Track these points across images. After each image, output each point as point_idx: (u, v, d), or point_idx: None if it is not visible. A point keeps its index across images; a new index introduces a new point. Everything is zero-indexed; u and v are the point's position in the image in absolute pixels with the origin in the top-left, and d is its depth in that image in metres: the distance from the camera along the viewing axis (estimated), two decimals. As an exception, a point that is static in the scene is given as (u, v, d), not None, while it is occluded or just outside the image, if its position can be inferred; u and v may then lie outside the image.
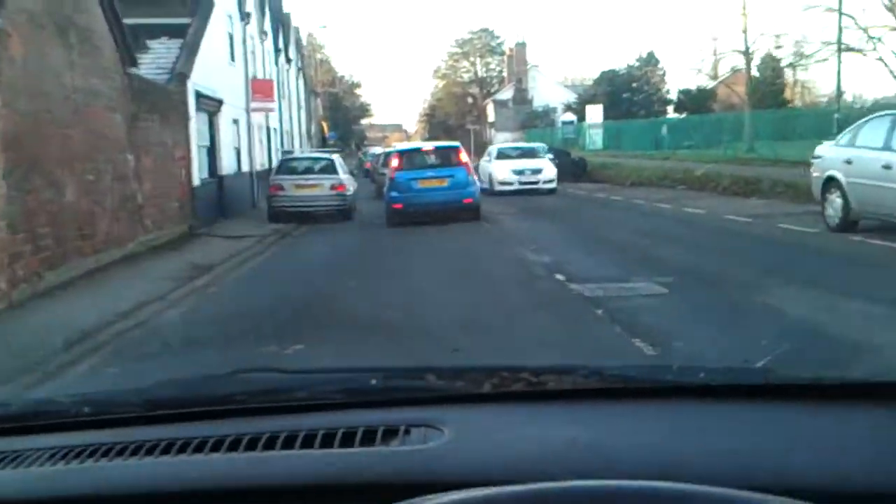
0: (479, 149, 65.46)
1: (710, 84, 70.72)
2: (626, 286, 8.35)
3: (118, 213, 12.44)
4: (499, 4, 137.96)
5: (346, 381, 1.80)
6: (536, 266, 10.56)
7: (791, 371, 1.80)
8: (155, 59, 18.09)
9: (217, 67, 20.44)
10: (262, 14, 27.82)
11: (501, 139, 67.89)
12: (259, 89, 24.24)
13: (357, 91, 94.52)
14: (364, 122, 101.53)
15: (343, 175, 20.18)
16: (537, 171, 26.05)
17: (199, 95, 17.85)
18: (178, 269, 11.52)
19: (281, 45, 32.61)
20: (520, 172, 25.90)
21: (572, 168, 33.25)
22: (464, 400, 1.63)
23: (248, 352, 5.88)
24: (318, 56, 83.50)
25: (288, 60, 34.98)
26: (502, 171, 26.12)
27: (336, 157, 20.64)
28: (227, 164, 20.96)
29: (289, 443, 1.40)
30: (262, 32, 27.68)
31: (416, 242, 14.76)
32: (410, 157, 19.15)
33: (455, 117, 77.47)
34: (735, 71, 75.92)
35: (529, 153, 28.33)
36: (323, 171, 20.00)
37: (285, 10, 36.38)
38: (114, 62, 12.92)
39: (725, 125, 48.87)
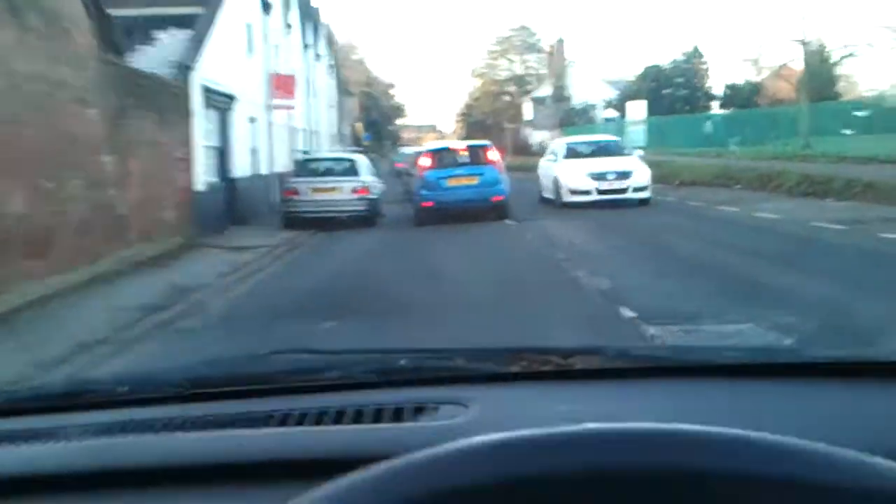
0: (518, 148, 63.20)
1: (758, 78, 68.05)
2: (725, 329, 6.02)
3: (89, 225, 10.37)
4: (537, 2, 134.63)
5: (377, 361, 1.82)
6: (593, 294, 8.28)
7: (819, 349, 1.88)
8: (160, 51, 16.10)
9: (232, 61, 18.42)
10: (287, 6, 25.79)
11: (539, 137, 65.60)
12: (280, 85, 22.20)
13: (391, 91, 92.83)
14: (398, 122, 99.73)
15: (366, 177, 18.04)
16: (624, 175, 18.76)
17: (206, 90, 15.82)
18: (150, 294, 9.42)
19: (309, 40, 30.59)
20: (599, 176, 18.85)
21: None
22: (492, 380, 1.63)
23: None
24: (354, 57, 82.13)
25: (317, 57, 32.96)
26: (574, 175, 19.32)
27: (360, 158, 18.52)
28: (241, 166, 18.91)
29: (320, 419, 1.42)
30: (287, 25, 25.65)
31: (446, 258, 12.48)
32: (440, 156, 18.49)
33: (492, 116, 75.13)
34: (780, 67, 72.99)
35: (608, 149, 21.08)
36: (344, 172, 17.90)
37: (314, 4, 34.40)
38: (89, 49, 10.87)
39: (780, 120, 45.61)
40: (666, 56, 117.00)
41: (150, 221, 12.72)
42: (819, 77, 66.10)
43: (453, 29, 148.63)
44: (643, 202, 18.60)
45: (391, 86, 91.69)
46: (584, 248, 12.19)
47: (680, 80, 61.14)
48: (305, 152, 18.64)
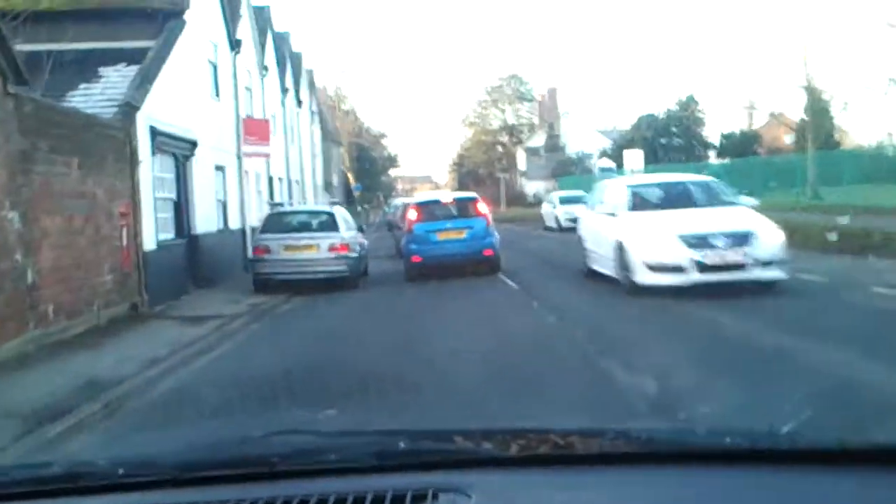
0: (513, 198, 61.35)
1: (754, 125, 66.62)
2: None
3: (-21, 300, 8.03)
4: (528, 50, 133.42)
5: (376, 443, 1.80)
6: (625, 387, 5.92)
7: (816, 435, 1.73)
8: (105, 88, 13.96)
9: (193, 102, 16.26)
10: (262, 46, 23.75)
11: (533, 188, 63.84)
12: (253, 131, 20.05)
13: (384, 142, 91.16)
14: (392, 173, 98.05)
15: (347, 232, 15.78)
16: (743, 239, 10.67)
17: (155, 133, 13.59)
18: (48, 391, 7.07)
19: (289, 84, 28.55)
20: (700, 242, 10.67)
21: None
22: (491, 463, 1.64)
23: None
24: (344, 107, 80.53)
25: (299, 103, 30.92)
26: (655, 239, 11.11)
27: (339, 211, 16.28)
28: (205, 220, 16.63)
29: None
30: (264, 68, 23.58)
31: (442, 330, 10.17)
32: (428, 209, 17.72)
33: (484, 166, 73.39)
34: (778, 114, 71.70)
35: (702, 195, 12.68)
36: (321, 228, 15.67)
37: (296, 49, 32.50)
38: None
39: (782, 169, 43.60)
40: (660, 105, 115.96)
41: (78, 290, 10.37)
42: (821, 125, 64.86)
43: (446, 78, 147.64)
44: (767, 285, 10.63)
45: (383, 136, 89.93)
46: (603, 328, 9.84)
47: (675, 128, 59.63)
48: (278, 204, 16.35)
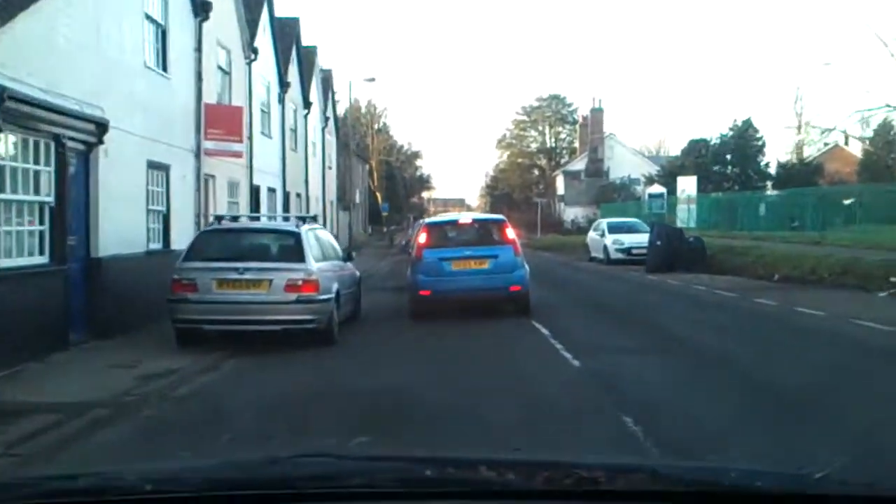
0: (550, 225, 55.79)
1: (810, 156, 60.62)
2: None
3: None
4: (570, 70, 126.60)
5: (402, 470, 1.77)
6: None
7: (845, 481, 1.69)
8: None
9: (112, 68, 11.07)
10: (253, 24, 18.59)
11: (571, 214, 58.31)
12: (218, 121, 14.83)
13: (417, 162, 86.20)
14: (425, 195, 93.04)
15: (317, 264, 10.39)
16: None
17: (14, 100, 8.33)
18: None
19: (293, 77, 23.38)
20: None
21: (688, 252, 23.07)
22: (516, 495, 1.61)
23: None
24: (376, 125, 75.71)
25: (306, 103, 25.71)
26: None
27: (307, 230, 10.79)
28: (120, 238, 11.37)
29: None
30: (251, 48, 18.40)
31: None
32: (442, 232, 14.30)
33: (519, 190, 67.97)
34: (827, 146, 65.61)
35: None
36: (278, 255, 10.40)
37: (309, 42, 27.36)
38: None
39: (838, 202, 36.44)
40: (713, 129, 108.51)
41: None
42: (881, 160, 58.67)
43: (484, 98, 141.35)
44: None
45: (416, 155, 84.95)
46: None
47: (730, 155, 53.75)
48: (220, 218, 10.89)
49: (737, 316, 12.82)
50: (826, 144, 65.73)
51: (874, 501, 1.56)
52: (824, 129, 31.53)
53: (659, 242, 23.11)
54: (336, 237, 34.30)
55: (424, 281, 12.78)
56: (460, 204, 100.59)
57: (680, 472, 1.72)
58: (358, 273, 13.51)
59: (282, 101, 21.91)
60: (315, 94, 27.65)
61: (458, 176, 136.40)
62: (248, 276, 9.81)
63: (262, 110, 20.19)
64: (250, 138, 18.52)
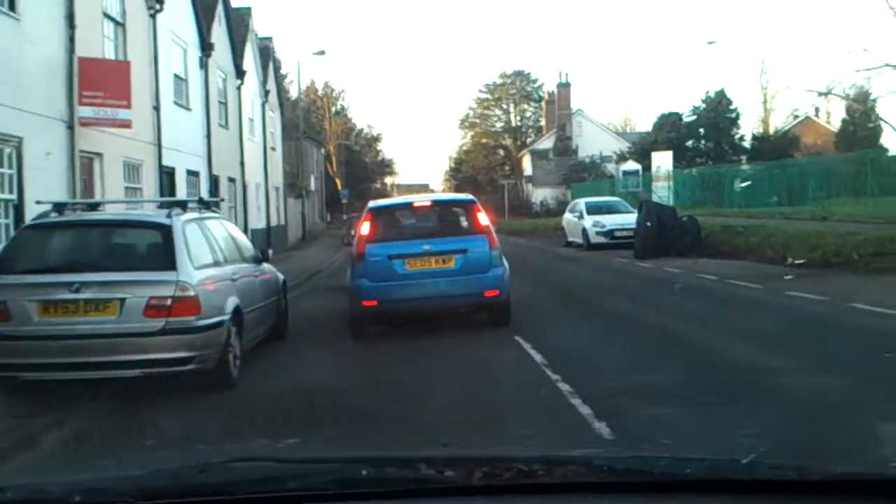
0: (517, 207, 52.60)
1: (783, 128, 58.27)
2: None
3: None
4: (534, 46, 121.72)
5: (339, 471, 1.73)
6: None
7: (776, 466, 1.68)
8: None
9: None
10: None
11: (539, 196, 55.17)
12: (100, 80, 11.22)
13: (379, 146, 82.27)
14: (388, 180, 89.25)
15: (201, 271, 6.91)
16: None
17: None
18: None
19: (218, 38, 19.67)
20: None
21: (681, 234, 19.90)
22: (455, 492, 1.62)
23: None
24: (334, 108, 71.80)
25: (238, 72, 21.99)
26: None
27: (185, 222, 7.23)
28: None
29: None
30: None
31: None
32: (392, 220, 10.56)
33: (484, 172, 64.62)
34: (798, 117, 63.19)
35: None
36: (138, 261, 6.92)
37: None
38: None
39: (833, 174, 33.43)
40: (681, 103, 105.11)
41: None
42: (860, 128, 56.30)
43: (446, 77, 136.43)
44: None
45: (377, 139, 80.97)
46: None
47: (703, 129, 50.87)
48: (61, 207, 7.36)
49: (786, 321, 9.53)
50: (796, 117, 63.51)
51: (804, 484, 1.54)
52: (821, 91, 28.37)
53: (649, 224, 19.90)
54: (285, 227, 30.86)
55: (368, 288, 9.41)
56: (424, 189, 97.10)
57: (613, 462, 1.69)
58: (281, 277, 10.06)
59: (204, 66, 18.24)
60: (251, 63, 23.89)
61: (422, 160, 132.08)
62: (86, 294, 6.33)
63: (177, 76, 16.56)
64: (157, 108, 14.93)
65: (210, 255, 7.38)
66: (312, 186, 44.76)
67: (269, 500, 1.58)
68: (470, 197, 10.62)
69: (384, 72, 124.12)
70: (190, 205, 7.96)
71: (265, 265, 9.35)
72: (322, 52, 35.59)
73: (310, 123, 54.33)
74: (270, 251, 9.39)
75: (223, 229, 8.28)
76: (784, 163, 33.47)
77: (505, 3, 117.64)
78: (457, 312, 9.93)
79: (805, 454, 2.90)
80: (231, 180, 21.07)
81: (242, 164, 22.14)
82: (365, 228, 9.67)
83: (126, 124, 11.65)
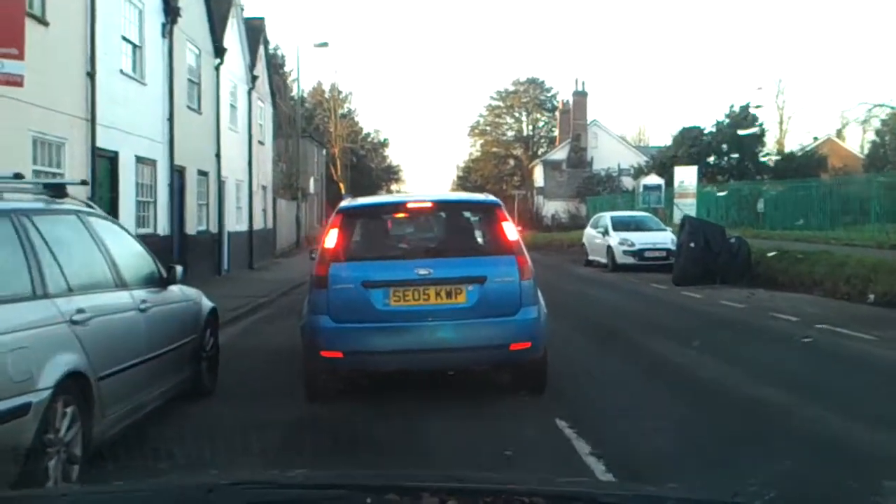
0: (528, 220, 49.20)
1: (802, 149, 55.02)
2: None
3: None
4: (549, 54, 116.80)
5: (344, 497, 1.68)
6: None
7: None
8: None
9: None
10: None
11: (551, 208, 51.90)
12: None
13: (385, 152, 78.93)
14: (394, 187, 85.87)
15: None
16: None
17: None
18: None
19: (188, 3, 16.29)
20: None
21: (730, 258, 16.52)
22: None
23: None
24: (340, 110, 68.56)
25: (217, 50, 18.66)
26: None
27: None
28: None
29: None
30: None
31: None
32: (373, 227, 7.15)
33: (494, 181, 61.29)
34: (817, 140, 60.09)
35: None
36: None
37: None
38: None
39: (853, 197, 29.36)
40: (697, 117, 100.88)
41: None
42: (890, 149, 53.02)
43: (457, 85, 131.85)
44: None
45: (384, 144, 77.64)
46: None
47: (727, 145, 47.49)
48: None
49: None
50: (815, 139, 60.43)
51: None
52: (874, 104, 25.18)
53: (692, 244, 16.53)
54: (273, 232, 27.45)
55: (330, 331, 6.09)
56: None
57: (618, 500, 1.64)
58: (207, 306, 6.73)
59: (167, 34, 14.90)
60: (234, 42, 20.52)
61: (429, 167, 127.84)
62: None
63: (126, 39, 13.24)
64: (91, 75, 11.63)
65: (24, 279, 4.03)
66: (311, 189, 41.50)
67: None
68: (492, 198, 7.14)
69: (393, 76, 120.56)
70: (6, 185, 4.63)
71: (173, 290, 6.00)
72: (325, 44, 32.26)
73: (314, 124, 51.15)
74: (180, 269, 5.99)
75: (83, 233, 4.92)
76: (841, 179, 30.12)
77: (518, 10, 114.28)
78: (464, 369, 6.60)
79: None
80: (202, 174, 17.71)
81: (219, 156, 18.77)
82: (331, 239, 6.30)
83: (15, 81, 8.31)
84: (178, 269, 5.99)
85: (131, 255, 5.58)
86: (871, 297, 13.40)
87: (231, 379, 6.96)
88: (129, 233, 6.02)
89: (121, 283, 5.13)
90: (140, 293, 5.34)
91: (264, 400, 6.48)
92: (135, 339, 5.06)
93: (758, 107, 46.80)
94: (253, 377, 7.35)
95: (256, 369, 7.84)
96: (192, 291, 6.55)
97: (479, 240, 6.89)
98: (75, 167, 11.16)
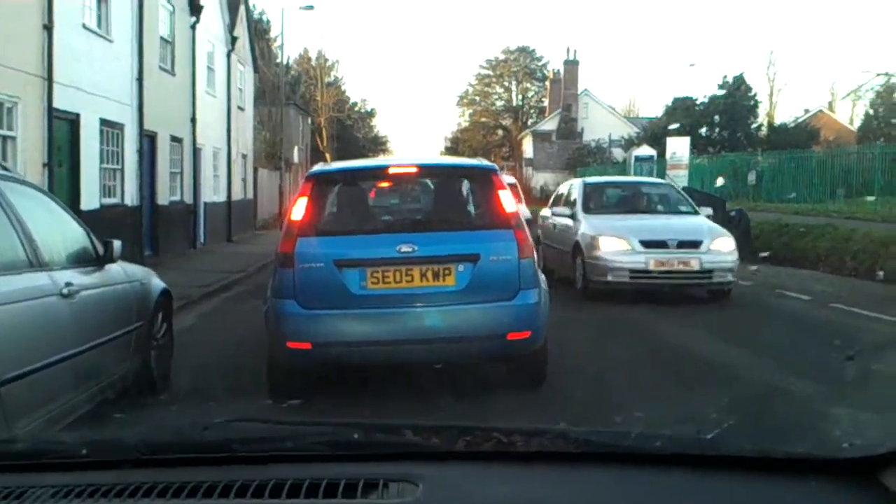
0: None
1: (792, 121, 54.32)
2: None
3: None
4: (539, 21, 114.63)
5: (331, 433, 1.78)
6: None
7: (739, 443, 1.71)
8: None
9: None
10: None
11: (540, 180, 50.93)
12: None
13: (372, 122, 77.53)
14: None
15: None
16: None
17: None
18: None
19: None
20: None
21: (730, 231, 15.69)
22: (438, 457, 1.63)
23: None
24: (327, 79, 67.09)
25: (195, 8, 17.51)
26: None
27: None
28: None
29: (276, 491, 1.41)
30: None
31: None
32: (347, 196, 5.99)
33: (482, 152, 60.26)
34: (808, 112, 59.54)
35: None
36: None
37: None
38: None
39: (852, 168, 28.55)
40: (689, 88, 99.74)
41: None
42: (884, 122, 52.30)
43: (445, 53, 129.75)
44: None
45: (371, 114, 76.19)
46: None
47: (719, 117, 46.61)
48: None
49: None
50: (806, 111, 59.79)
51: (765, 462, 1.53)
52: (879, 73, 24.35)
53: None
54: (253, 203, 26.41)
55: (297, 317, 5.21)
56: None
57: (587, 435, 1.74)
58: (158, 286, 5.81)
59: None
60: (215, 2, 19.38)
61: (417, 138, 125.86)
62: None
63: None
64: (48, 29, 10.58)
65: None
66: (296, 159, 40.30)
67: (265, 459, 1.55)
68: (486, 163, 6.14)
69: (380, 44, 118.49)
70: None
71: (113, 269, 5.08)
72: (311, 7, 30.99)
73: (299, 92, 49.84)
74: (118, 244, 5.06)
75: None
76: (840, 150, 29.35)
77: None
78: (452, 364, 5.72)
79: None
80: (176, 140, 16.65)
81: (194, 121, 17.69)
82: (298, 210, 5.37)
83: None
84: (117, 244, 5.05)
85: (56, 230, 4.65)
86: (881, 273, 12.65)
87: (186, 373, 6.05)
88: (57, 202, 5.06)
89: (37, 263, 4.20)
90: (64, 275, 4.41)
91: (221, 398, 5.57)
92: (55, 331, 4.15)
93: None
94: (212, 370, 6.44)
95: (218, 360, 6.92)
96: (137, 270, 5.64)
97: (472, 211, 5.97)
98: (29, 129, 10.15)
